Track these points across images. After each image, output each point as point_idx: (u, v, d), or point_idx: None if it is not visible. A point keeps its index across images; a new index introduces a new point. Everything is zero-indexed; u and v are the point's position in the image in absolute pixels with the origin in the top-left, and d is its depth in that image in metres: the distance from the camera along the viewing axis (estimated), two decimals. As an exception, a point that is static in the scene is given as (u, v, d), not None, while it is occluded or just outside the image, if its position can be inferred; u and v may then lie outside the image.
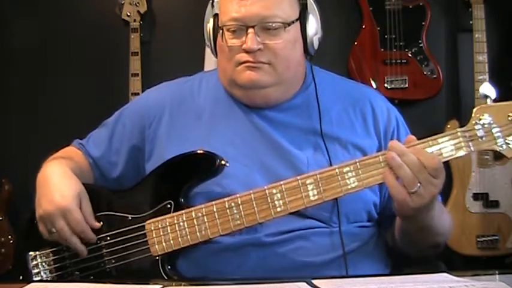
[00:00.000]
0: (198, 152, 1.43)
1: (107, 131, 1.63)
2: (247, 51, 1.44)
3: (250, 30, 1.43)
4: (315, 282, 1.14)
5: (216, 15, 1.51)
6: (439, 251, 1.53)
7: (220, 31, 1.48)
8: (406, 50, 3.01)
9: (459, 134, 1.33)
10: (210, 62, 2.62)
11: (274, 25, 1.44)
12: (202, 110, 1.55)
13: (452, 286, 1.05)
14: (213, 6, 1.54)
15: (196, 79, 1.63)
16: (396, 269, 1.50)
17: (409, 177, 1.29)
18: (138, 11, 3.06)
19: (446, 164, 2.96)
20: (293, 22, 1.47)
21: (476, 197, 2.83)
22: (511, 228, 2.81)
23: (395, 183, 1.31)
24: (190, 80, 1.63)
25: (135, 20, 3.05)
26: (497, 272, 1.16)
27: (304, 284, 1.13)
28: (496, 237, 2.81)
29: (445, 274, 1.17)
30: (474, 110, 1.33)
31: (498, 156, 2.78)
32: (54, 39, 3.19)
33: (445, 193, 2.83)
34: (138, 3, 3.06)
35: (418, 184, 1.29)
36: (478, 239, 2.81)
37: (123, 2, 3.07)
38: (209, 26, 1.53)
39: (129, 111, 1.64)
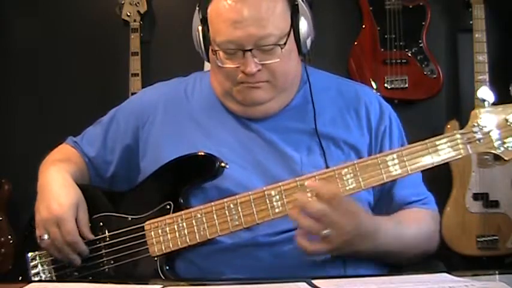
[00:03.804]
0: (199, 154, 1.43)
1: (102, 129, 1.63)
2: (246, 74, 1.41)
3: (248, 53, 1.40)
4: (315, 282, 1.14)
5: (204, 21, 1.45)
6: (428, 254, 1.51)
7: (214, 50, 1.43)
8: (406, 50, 3.01)
9: (457, 136, 1.33)
10: (210, 62, 2.62)
11: (268, 47, 1.40)
12: (196, 111, 1.55)
13: (452, 286, 1.04)
14: (199, 11, 1.47)
15: (190, 79, 1.63)
16: (396, 269, 1.49)
17: (312, 227, 1.30)
18: (138, 11, 3.06)
19: (447, 164, 2.98)
20: (287, 36, 1.42)
21: (476, 197, 2.82)
22: (511, 228, 2.81)
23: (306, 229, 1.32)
24: (185, 81, 1.63)
25: (135, 20, 3.05)
26: (497, 272, 1.15)
27: (304, 284, 1.13)
28: (496, 237, 2.80)
29: (445, 274, 1.17)
30: (472, 113, 1.34)
31: (498, 156, 2.80)
32: (54, 39, 3.19)
33: (445, 193, 2.84)
34: (138, 3, 3.07)
35: (327, 230, 1.29)
36: (478, 239, 2.80)
37: (123, 2, 3.07)
38: (198, 33, 1.47)
39: (124, 110, 1.64)
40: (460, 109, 3.06)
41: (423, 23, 3.03)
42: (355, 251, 1.36)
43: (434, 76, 3.01)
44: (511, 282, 1.03)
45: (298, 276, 1.23)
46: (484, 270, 1.20)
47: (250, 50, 1.39)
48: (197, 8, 1.49)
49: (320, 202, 1.29)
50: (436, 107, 3.10)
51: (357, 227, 1.32)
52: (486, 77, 2.83)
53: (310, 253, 1.33)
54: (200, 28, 1.47)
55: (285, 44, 1.42)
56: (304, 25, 1.47)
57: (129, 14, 3.06)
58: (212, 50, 1.45)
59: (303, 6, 1.47)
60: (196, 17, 1.49)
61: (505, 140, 1.32)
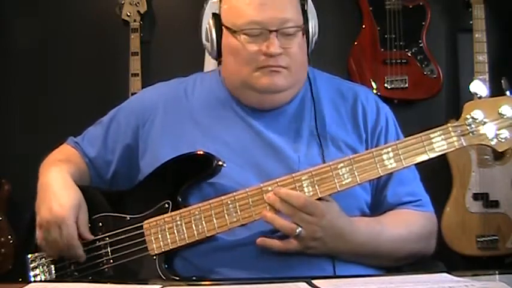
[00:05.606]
0: (197, 153, 1.44)
1: (102, 129, 1.63)
2: (269, 55, 1.44)
3: (273, 34, 1.43)
4: (315, 282, 1.14)
5: (215, 15, 1.50)
6: (425, 256, 1.51)
7: (224, 32, 1.47)
8: (406, 50, 3.01)
9: (450, 129, 1.35)
10: (210, 62, 2.62)
11: (291, 30, 1.45)
12: (197, 110, 1.56)
13: (452, 286, 1.04)
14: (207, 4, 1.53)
15: (191, 80, 1.64)
16: (396, 269, 1.49)
17: (284, 226, 1.34)
18: (138, 11, 3.06)
19: (446, 164, 2.97)
20: (302, 27, 1.47)
21: (476, 197, 2.82)
22: (511, 228, 2.81)
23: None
24: (185, 81, 1.64)
25: (135, 20, 3.05)
26: (497, 272, 1.15)
27: (304, 284, 1.13)
28: (496, 237, 2.80)
29: (445, 274, 1.17)
30: (465, 105, 1.36)
31: (498, 156, 2.81)
32: (54, 39, 3.19)
33: (445, 193, 2.83)
34: (138, 3, 3.07)
35: (299, 229, 1.33)
36: (478, 239, 2.80)
37: (123, 2, 3.07)
38: (209, 26, 1.52)
39: (124, 110, 1.64)
40: (460, 109, 3.04)
41: (423, 23, 3.03)
42: (333, 250, 1.38)
43: (434, 76, 3.01)
44: (511, 282, 1.03)
45: (294, 274, 1.23)
46: (484, 270, 1.20)
47: (275, 31, 1.43)
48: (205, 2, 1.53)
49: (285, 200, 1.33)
50: (436, 107, 3.10)
51: (329, 226, 1.35)
52: (486, 77, 2.82)
53: (282, 251, 1.36)
54: (212, 21, 1.51)
55: (302, 29, 1.46)
56: (313, 24, 1.51)
57: (129, 14, 3.06)
58: (232, 35, 1.47)
59: (311, 7, 1.52)
60: (207, 12, 1.52)
61: (498, 132, 1.33)
